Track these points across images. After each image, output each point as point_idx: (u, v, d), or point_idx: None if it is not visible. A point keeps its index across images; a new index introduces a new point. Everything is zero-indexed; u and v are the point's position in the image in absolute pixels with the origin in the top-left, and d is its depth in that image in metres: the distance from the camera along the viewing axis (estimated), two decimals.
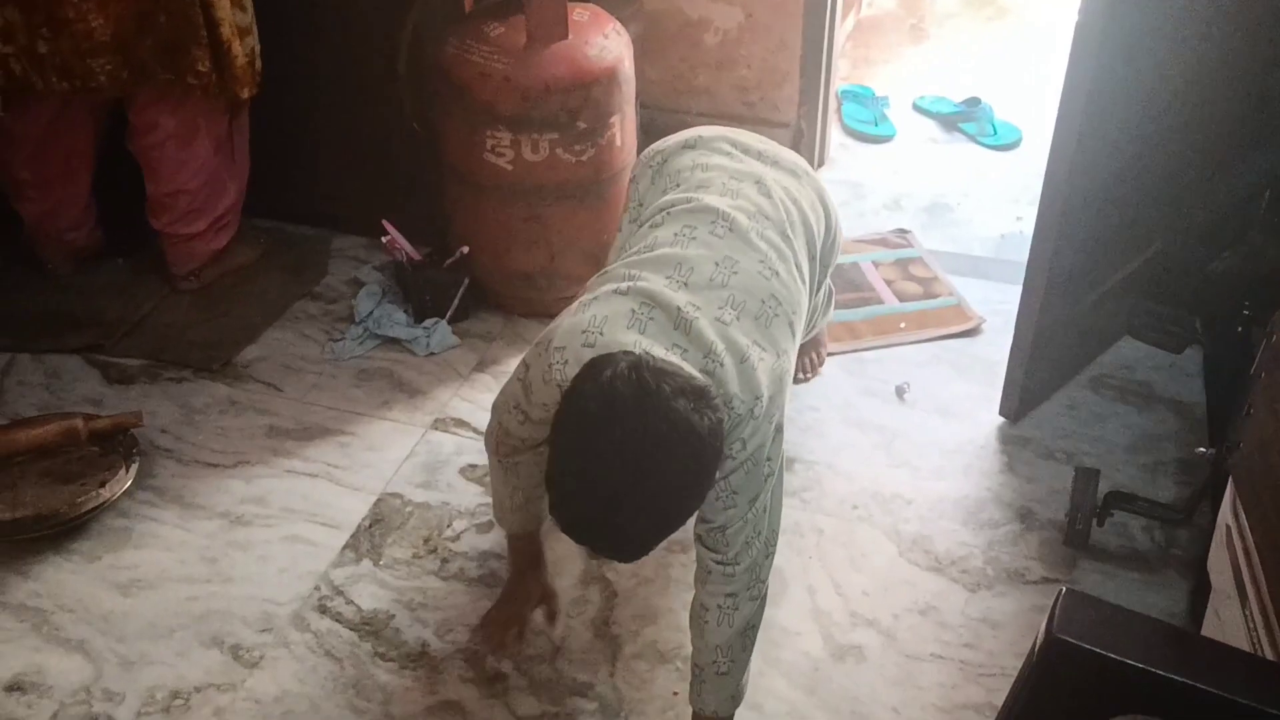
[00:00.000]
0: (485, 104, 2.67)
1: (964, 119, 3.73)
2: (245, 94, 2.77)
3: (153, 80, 2.68)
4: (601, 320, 1.72)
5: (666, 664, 2.17)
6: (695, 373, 1.65)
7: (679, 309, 1.73)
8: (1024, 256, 3.11)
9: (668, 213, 1.93)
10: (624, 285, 1.77)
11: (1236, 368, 2.57)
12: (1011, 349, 2.61)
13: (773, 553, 1.89)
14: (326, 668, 2.16)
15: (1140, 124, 2.43)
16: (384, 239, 2.93)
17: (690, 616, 1.94)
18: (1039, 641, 1.08)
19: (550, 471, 1.63)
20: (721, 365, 1.71)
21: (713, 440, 1.60)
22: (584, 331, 1.72)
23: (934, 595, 2.29)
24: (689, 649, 2.16)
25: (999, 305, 3.00)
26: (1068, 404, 2.72)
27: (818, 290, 2.21)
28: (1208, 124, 2.62)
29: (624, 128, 2.82)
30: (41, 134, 2.83)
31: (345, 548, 2.40)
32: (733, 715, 1.97)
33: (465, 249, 2.90)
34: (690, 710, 1.98)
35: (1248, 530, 1.51)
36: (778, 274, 1.87)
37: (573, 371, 1.66)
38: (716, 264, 1.82)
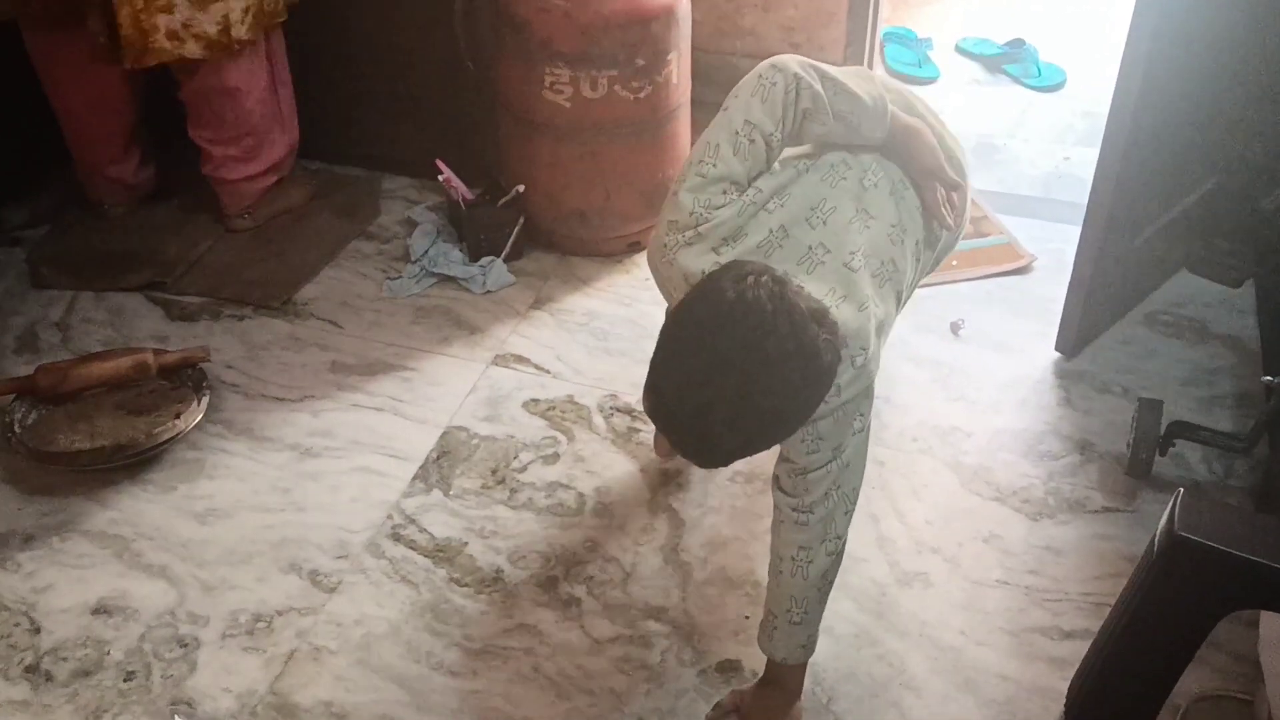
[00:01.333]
0: (544, 40, 2.68)
1: (1008, 60, 3.73)
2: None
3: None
4: (743, 233, 1.75)
5: (736, 589, 2.21)
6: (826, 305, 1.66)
7: (809, 247, 1.76)
8: (1073, 195, 3.17)
9: (820, 154, 1.91)
10: (771, 204, 1.78)
11: None
12: (1070, 284, 2.63)
13: (851, 510, 1.89)
14: (404, 593, 2.21)
15: (1201, 62, 2.44)
16: (440, 177, 2.95)
17: (769, 566, 1.95)
18: (1158, 540, 1.11)
19: (659, 355, 1.61)
20: (838, 307, 1.72)
21: (829, 374, 1.61)
22: (723, 239, 1.74)
23: (996, 524, 2.33)
24: (758, 574, 2.21)
25: (1049, 243, 3.03)
26: (1122, 339, 2.74)
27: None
28: (1264, 62, 2.63)
29: (680, 66, 2.83)
30: (74, 65, 2.85)
31: (415, 478, 2.44)
32: (803, 663, 1.97)
33: (521, 187, 2.91)
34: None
35: None
36: (903, 242, 1.89)
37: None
38: (855, 212, 1.83)
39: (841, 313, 1.72)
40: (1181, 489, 1.16)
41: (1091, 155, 2.67)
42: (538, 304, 2.88)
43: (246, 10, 2.76)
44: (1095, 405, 2.58)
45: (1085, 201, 2.96)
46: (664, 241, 1.79)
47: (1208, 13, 2.35)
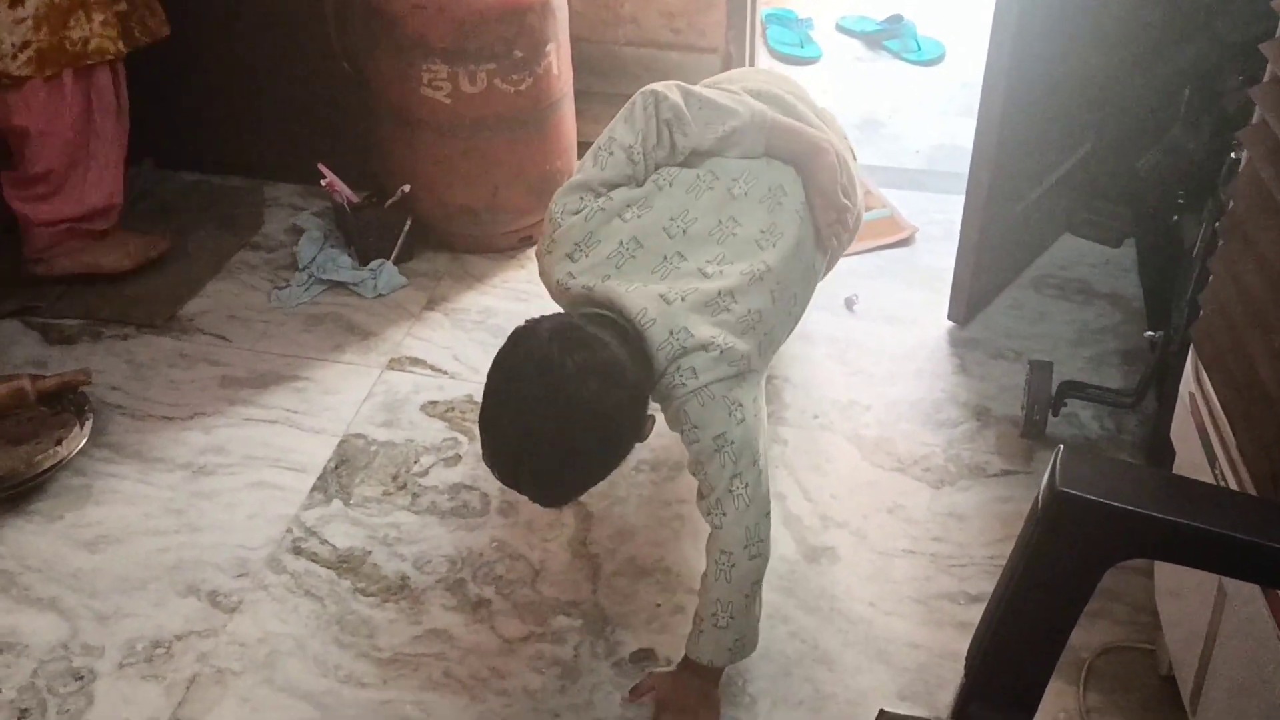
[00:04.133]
0: (419, 37, 2.64)
1: (887, 36, 3.77)
2: None
3: None
4: (594, 240, 1.86)
5: (647, 577, 2.20)
6: (617, 344, 1.72)
7: (664, 257, 1.85)
8: (956, 167, 3.21)
9: (690, 166, 1.97)
10: (627, 214, 1.87)
11: (1171, 255, 2.66)
12: (958, 254, 2.66)
13: (768, 512, 1.88)
14: (308, 606, 2.16)
15: (1069, 27, 2.48)
16: (321, 182, 2.89)
17: (702, 577, 1.95)
18: (1041, 497, 1.12)
19: (479, 417, 1.75)
20: (680, 301, 1.79)
21: (619, 416, 1.70)
22: (575, 244, 1.87)
23: (900, 494, 2.35)
24: (667, 561, 2.21)
25: (935, 214, 3.06)
26: (1011, 304, 2.79)
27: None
28: (1131, 23, 2.69)
29: (560, 56, 2.81)
30: None
31: (313, 490, 2.38)
32: (726, 665, 1.96)
33: (406, 188, 2.87)
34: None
35: (1212, 393, 1.57)
36: (774, 246, 1.92)
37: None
38: (718, 222, 1.90)
39: (688, 302, 1.80)
40: (1061, 445, 1.17)
41: (972, 126, 2.71)
42: (431, 304, 2.84)
43: (25, 45, 2.52)
44: (990, 371, 2.61)
45: (966, 172, 3.02)
46: (538, 251, 1.97)
47: None
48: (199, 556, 2.25)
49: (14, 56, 2.53)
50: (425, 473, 2.42)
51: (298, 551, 2.26)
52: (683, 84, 1.99)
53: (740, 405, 1.82)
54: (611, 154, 1.93)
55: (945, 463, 2.41)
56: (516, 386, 1.68)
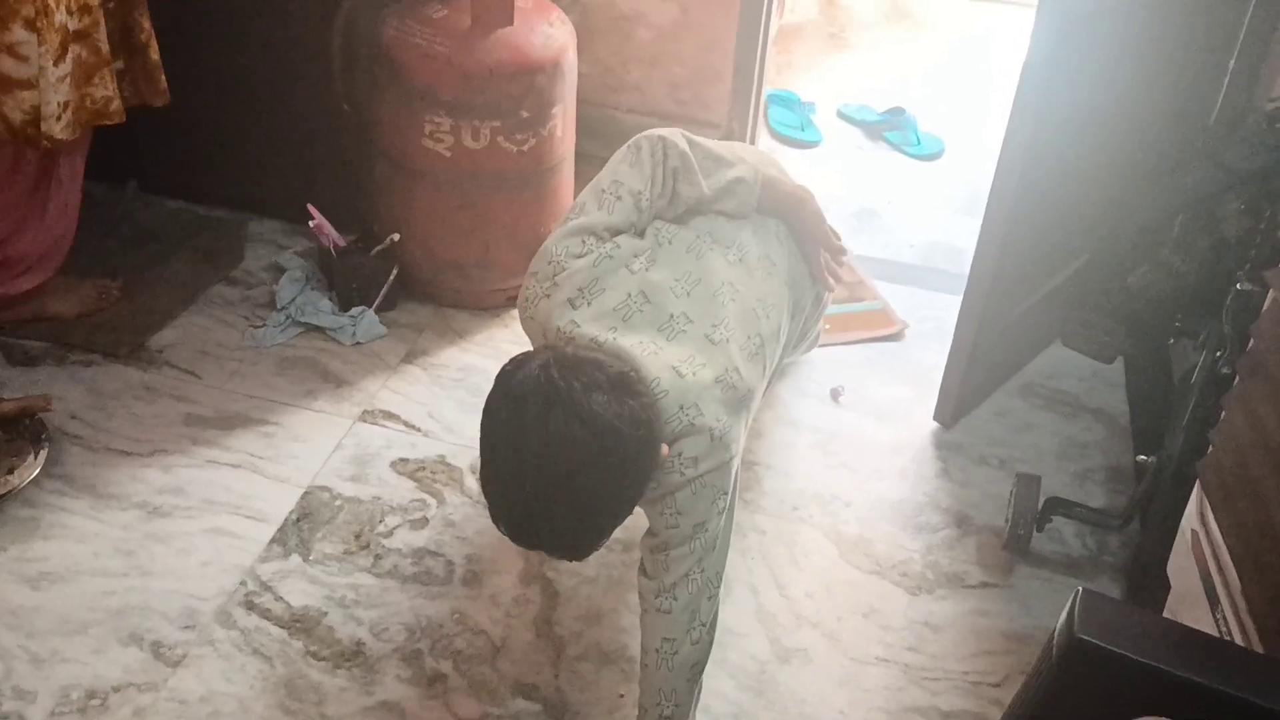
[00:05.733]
0: (426, 87, 2.59)
1: (888, 128, 3.76)
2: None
3: None
4: (599, 288, 1.78)
5: (611, 665, 2.12)
6: (615, 360, 1.64)
7: (671, 315, 1.77)
8: (950, 265, 3.20)
9: (688, 223, 1.93)
10: (634, 265, 1.80)
11: (1163, 377, 2.64)
12: (949, 355, 2.63)
13: (715, 595, 1.84)
14: (255, 666, 2.06)
15: (1078, 144, 2.48)
16: (310, 223, 2.82)
17: (640, 656, 1.89)
18: (1057, 642, 1.06)
19: (480, 477, 1.63)
20: (696, 374, 1.71)
21: (636, 429, 1.58)
22: (579, 289, 1.78)
23: (876, 597, 2.29)
24: (632, 649, 2.13)
25: (927, 310, 3.03)
26: (998, 411, 2.75)
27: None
28: (1135, 145, 2.69)
29: (565, 119, 2.77)
30: None
31: (272, 542, 2.30)
32: None
33: (396, 236, 2.81)
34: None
35: (1218, 536, 1.53)
36: (768, 316, 1.90)
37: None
38: (720, 285, 1.84)
39: (700, 378, 1.72)
40: (1080, 589, 1.12)
41: (970, 225, 2.70)
42: (410, 357, 2.77)
43: (66, 105, 2.36)
44: (972, 477, 2.57)
45: (963, 271, 2.99)
46: (527, 295, 1.85)
47: (1085, 101, 2.40)
48: (146, 603, 2.16)
49: (58, 118, 2.36)
50: (390, 534, 2.34)
51: (250, 606, 2.17)
52: (685, 132, 1.96)
53: (725, 494, 1.77)
54: (619, 199, 1.86)
55: (924, 569, 2.35)
56: (518, 421, 1.54)
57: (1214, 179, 2.61)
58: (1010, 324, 2.68)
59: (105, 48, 2.42)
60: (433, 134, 2.64)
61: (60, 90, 2.34)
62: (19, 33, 2.27)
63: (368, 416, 2.60)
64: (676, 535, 1.77)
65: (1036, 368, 2.87)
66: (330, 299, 2.85)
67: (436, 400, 2.65)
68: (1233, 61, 2.80)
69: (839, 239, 2.10)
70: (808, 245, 2.07)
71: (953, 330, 2.67)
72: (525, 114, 2.64)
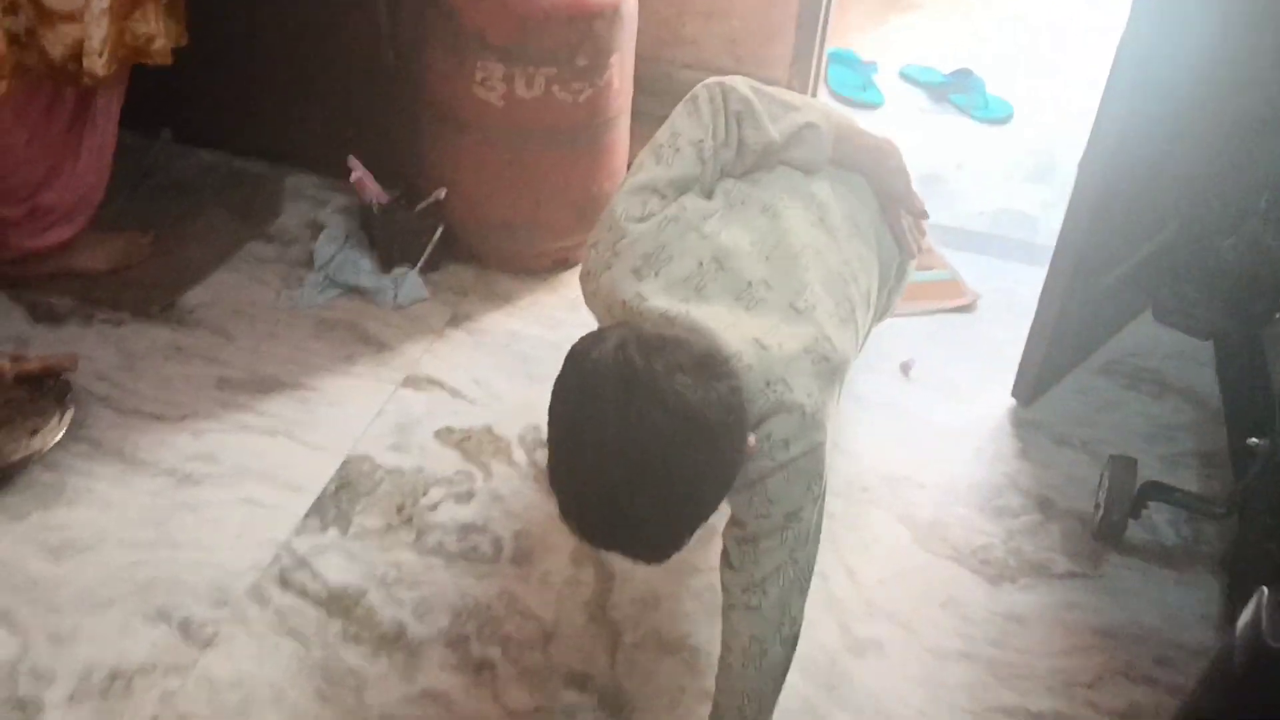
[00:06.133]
0: (478, 30, 2.43)
1: (954, 90, 3.57)
2: None
3: None
4: (667, 256, 1.59)
5: (671, 655, 1.97)
6: (698, 339, 1.46)
7: (749, 283, 1.59)
8: (1021, 233, 3.02)
9: (764, 182, 1.75)
10: (705, 228, 1.62)
11: (1258, 358, 2.45)
12: (1032, 328, 2.45)
13: (807, 588, 1.67)
14: (290, 648, 1.92)
15: (1174, 117, 2.30)
16: (351, 176, 2.67)
17: (719, 655, 1.72)
18: (1242, 648, 0.91)
19: (550, 468, 1.45)
20: (779, 348, 1.54)
21: (724, 413, 1.40)
22: (644, 256, 1.60)
23: (954, 586, 2.13)
24: (695, 638, 1.99)
25: (997, 282, 2.86)
26: (1078, 389, 2.57)
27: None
28: (1228, 120, 2.50)
29: (623, 70, 2.60)
30: None
31: (309, 514, 2.15)
32: None
33: (441, 193, 2.65)
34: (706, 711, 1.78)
35: None
36: (856, 279, 1.73)
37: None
38: (802, 247, 1.66)
39: (786, 349, 1.54)
40: (1265, 590, 0.95)
41: (1040, 192, 2.54)
42: (454, 322, 2.62)
43: (105, 40, 2.23)
44: (1054, 458, 2.40)
45: (1034, 239, 2.83)
46: (588, 267, 1.67)
47: (1189, 60, 2.21)
48: (175, 576, 2.02)
49: (100, 54, 2.22)
50: (434, 507, 2.19)
51: (285, 583, 2.03)
52: (748, 79, 1.78)
53: (819, 479, 1.61)
54: (678, 150, 1.68)
55: (1005, 556, 2.19)
56: (594, 407, 1.37)
57: None
58: (1097, 296, 2.50)
59: None
60: (484, 81, 2.47)
61: (102, 24, 2.19)
62: None
63: (410, 382, 2.45)
64: (767, 525, 1.60)
65: (1119, 344, 2.69)
66: (371, 258, 2.70)
67: (481, 367, 2.50)
68: None
69: (922, 202, 1.91)
70: (889, 205, 1.88)
71: (1024, 302, 2.52)
72: (582, 62, 2.47)
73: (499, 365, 2.51)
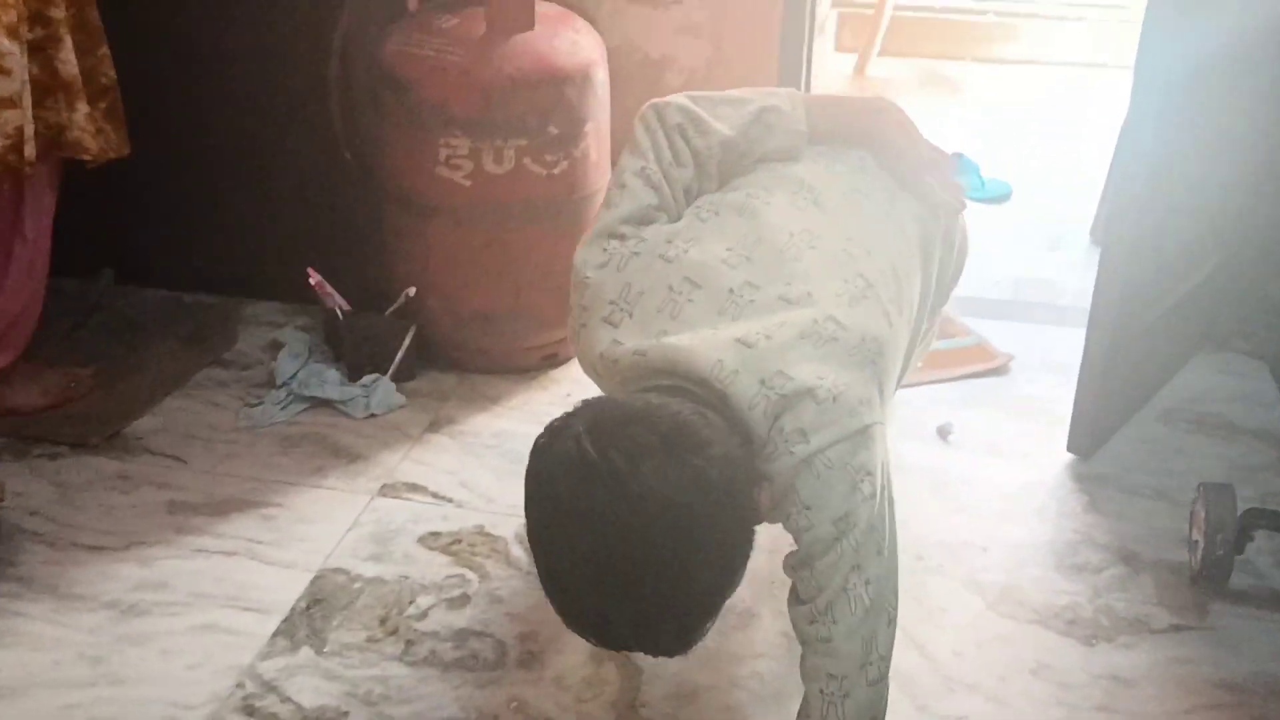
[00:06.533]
0: (439, 104, 2.24)
1: None
2: None
3: None
4: (636, 293, 1.44)
5: None
6: (663, 411, 1.26)
7: (730, 290, 1.40)
8: (1045, 297, 2.81)
9: (737, 183, 1.58)
10: (669, 252, 1.45)
11: None
12: (1081, 371, 2.20)
13: (894, 618, 1.41)
14: None
15: (1200, 155, 2.14)
16: (310, 281, 2.42)
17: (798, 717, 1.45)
18: None
19: (538, 565, 1.27)
20: (765, 340, 1.34)
21: (705, 494, 1.20)
22: (611, 303, 1.45)
23: (1043, 651, 1.81)
24: None
25: (1030, 343, 2.61)
26: (1140, 439, 2.30)
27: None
28: (1259, 144, 2.33)
29: (599, 141, 2.40)
30: None
31: (276, 635, 1.83)
32: None
33: (411, 291, 2.41)
34: None
35: None
36: (871, 255, 1.50)
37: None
38: (789, 237, 1.46)
39: (776, 339, 1.35)
40: None
41: (1057, 259, 2.66)
42: (434, 426, 2.34)
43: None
44: (1128, 510, 2.11)
45: (1061, 302, 2.71)
46: (571, 335, 1.55)
47: (1206, 108, 2.07)
48: (118, 714, 1.69)
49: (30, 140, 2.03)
50: (423, 615, 1.87)
51: (249, 712, 1.69)
52: (689, 91, 1.61)
53: (869, 474, 1.33)
54: (624, 185, 1.52)
55: (1095, 614, 1.87)
56: (558, 512, 1.22)
57: None
58: (1144, 333, 2.26)
59: (65, 70, 2.07)
60: (449, 160, 2.27)
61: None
62: (2, 42, 1.94)
63: (388, 490, 2.16)
64: (816, 539, 1.33)
65: (1174, 392, 2.44)
66: (338, 370, 2.44)
67: (468, 468, 2.21)
68: None
69: (943, 152, 1.68)
70: (899, 166, 1.64)
71: (1063, 361, 2.34)
72: (554, 130, 2.28)
73: (488, 466, 2.22)
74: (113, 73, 2.20)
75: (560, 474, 1.22)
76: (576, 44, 2.32)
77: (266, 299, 2.75)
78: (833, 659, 1.36)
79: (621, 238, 1.48)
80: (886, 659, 1.38)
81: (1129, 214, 2.06)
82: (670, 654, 1.28)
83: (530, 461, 1.26)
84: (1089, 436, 2.23)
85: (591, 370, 1.52)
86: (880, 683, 1.38)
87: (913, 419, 2.34)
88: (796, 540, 1.36)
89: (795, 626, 1.40)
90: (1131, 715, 1.69)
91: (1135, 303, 2.18)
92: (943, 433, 2.31)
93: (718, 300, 1.40)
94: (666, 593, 1.21)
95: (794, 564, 1.37)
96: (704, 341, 1.35)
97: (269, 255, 2.70)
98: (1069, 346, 2.32)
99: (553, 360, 2.50)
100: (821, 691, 1.37)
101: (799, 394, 1.31)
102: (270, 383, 2.45)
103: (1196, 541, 1.88)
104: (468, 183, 2.28)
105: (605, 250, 1.48)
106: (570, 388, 2.44)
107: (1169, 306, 2.31)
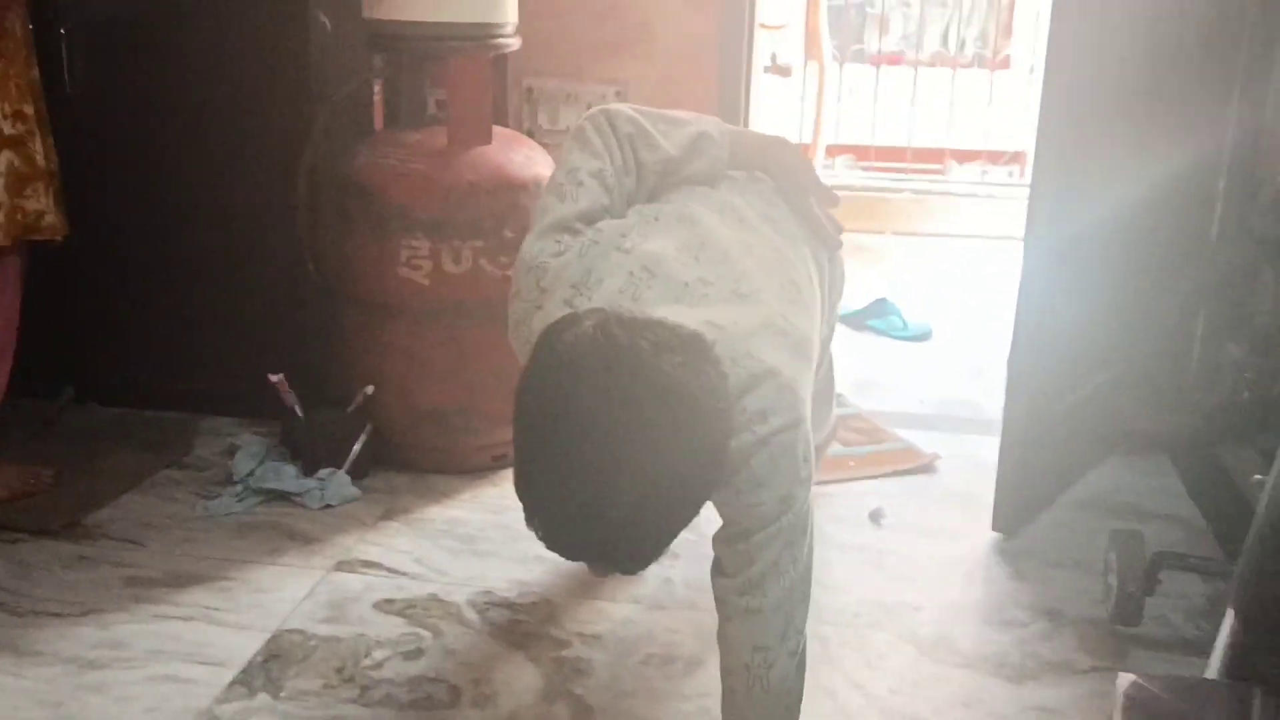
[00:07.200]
0: (401, 207, 2.41)
1: (871, 316, 3.63)
2: None
3: None
4: (596, 279, 1.49)
5: None
6: (684, 321, 1.34)
7: (686, 284, 1.47)
8: (969, 413, 2.98)
9: (669, 197, 1.67)
10: (625, 244, 1.51)
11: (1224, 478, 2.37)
12: (1001, 452, 2.36)
13: (808, 596, 1.50)
14: None
15: (1083, 298, 2.40)
16: (271, 378, 2.52)
17: (722, 691, 1.51)
18: None
19: (517, 470, 1.29)
20: (733, 325, 1.43)
21: (712, 399, 1.27)
22: (572, 286, 1.49)
23: (975, 689, 1.90)
24: None
25: (956, 448, 2.76)
26: (1059, 523, 2.44)
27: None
28: (1144, 247, 2.58)
29: None
30: None
31: (233, 684, 1.87)
32: None
33: (369, 389, 2.52)
34: None
35: None
36: (793, 265, 1.63)
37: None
38: (731, 243, 1.57)
39: (742, 326, 1.43)
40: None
41: (980, 385, 2.99)
42: (389, 515, 2.42)
43: None
44: (1051, 577, 2.23)
45: (984, 417, 2.88)
46: (516, 319, 1.57)
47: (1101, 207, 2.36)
48: None
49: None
50: (378, 665, 1.92)
51: None
52: (630, 104, 1.73)
53: (808, 461, 1.45)
54: (581, 183, 1.59)
55: (1022, 659, 1.97)
56: (572, 390, 1.22)
57: (1246, 252, 2.49)
58: (1058, 421, 2.43)
59: (41, 160, 2.24)
60: (410, 260, 2.43)
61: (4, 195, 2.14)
62: None
63: (344, 566, 2.22)
64: (759, 514, 1.42)
65: (1088, 487, 2.59)
66: (295, 466, 2.52)
67: (422, 549, 2.29)
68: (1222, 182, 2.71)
69: (830, 189, 1.81)
70: (797, 197, 1.76)
71: (985, 461, 2.47)
72: (509, 234, 2.45)
73: (441, 546, 2.30)
74: (55, 158, 2.35)
75: (581, 352, 1.23)
76: (530, 158, 2.53)
77: (224, 414, 2.84)
78: (760, 631, 1.44)
79: (574, 233, 1.54)
80: (803, 634, 1.47)
81: (1030, 335, 2.29)
82: (628, 566, 1.30)
83: (539, 346, 1.28)
84: (1012, 515, 2.36)
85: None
86: (798, 656, 1.47)
87: (847, 507, 2.46)
88: (735, 518, 1.44)
89: (723, 599, 1.46)
90: None
91: (1046, 391, 2.36)
92: (875, 517, 2.43)
93: (674, 289, 1.46)
94: (659, 485, 1.23)
95: (727, 538, 1.45)
96: (677, 315, 1.38)
97: (228, 370, 2.80)
98: (991, 449, 2.46)
99: (503, 460, 2.60)
100: (748, 666, 1.45)
101: (766, 374, 1.39)
102: (228, 480, 2.52)
103: (1111, 585, 2.00)
104: (427, 282, 2.44)
105: (559, 242, 1.53)
106: None
107: (1071, 405, 2.49)
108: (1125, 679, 1.20)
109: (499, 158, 2.47)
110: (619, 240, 1.53)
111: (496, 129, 2.56)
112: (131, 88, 2.67)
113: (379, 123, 2.64)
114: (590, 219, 1.57)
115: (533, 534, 1.27)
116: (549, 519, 1.26)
